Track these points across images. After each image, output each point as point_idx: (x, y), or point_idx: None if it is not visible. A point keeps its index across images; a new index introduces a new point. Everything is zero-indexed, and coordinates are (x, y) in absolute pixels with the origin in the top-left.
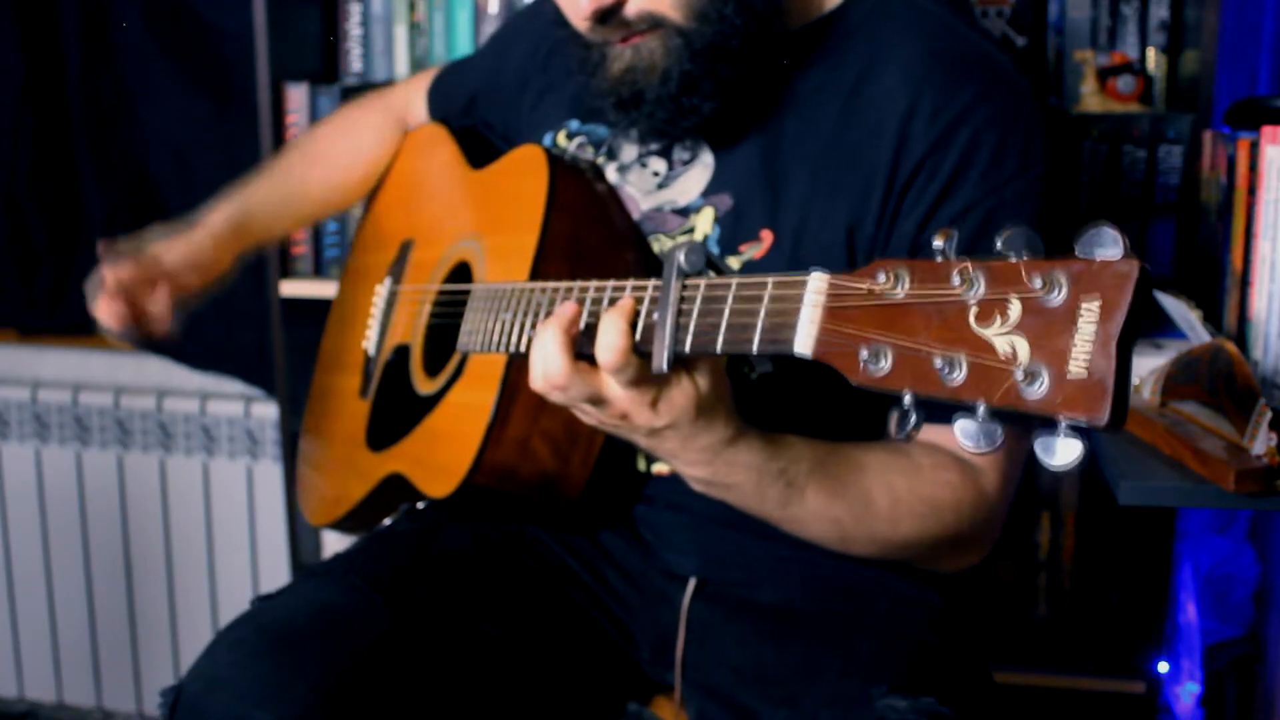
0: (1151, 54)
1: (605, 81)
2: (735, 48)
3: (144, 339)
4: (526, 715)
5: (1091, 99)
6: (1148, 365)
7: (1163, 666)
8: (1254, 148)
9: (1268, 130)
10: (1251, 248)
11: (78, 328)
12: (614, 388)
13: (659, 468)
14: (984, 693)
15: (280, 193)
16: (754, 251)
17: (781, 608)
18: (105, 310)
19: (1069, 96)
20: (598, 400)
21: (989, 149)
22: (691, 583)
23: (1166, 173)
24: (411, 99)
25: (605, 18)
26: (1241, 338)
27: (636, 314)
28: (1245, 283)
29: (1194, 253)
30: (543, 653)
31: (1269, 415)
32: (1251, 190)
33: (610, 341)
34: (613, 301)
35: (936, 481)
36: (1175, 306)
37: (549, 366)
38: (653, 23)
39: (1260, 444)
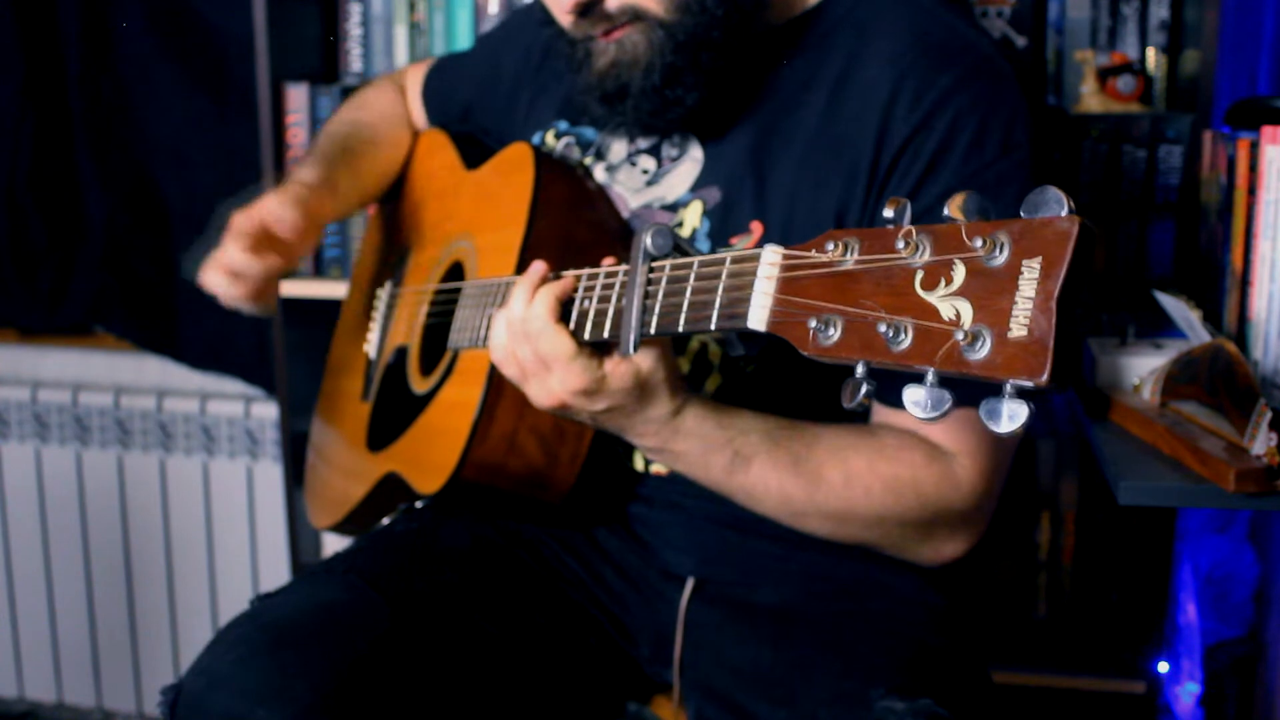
0: (1151, 54)
1: (590, 76)
2: (717, 38)
3: (249, 304)
4: (526, 714)
5: (1091, 99)
6: (1148, 365)
7: (1163, 666)
8: (1254, 148)
9: (1268, 130)
10: (1251, 248)
11: (78, 328)
12: (553, 379)
13: (657, 468)
14: (983, 693)
15: (355, 169)
16: (744, 243)
17: (780, 608)
18: (234, 256)
19: (1069, 96)
20: (542, 369)
21: (970, 133)
22: (690, 583)
23: (1166, 173)
24: (409, 89)
25: (587, 10)
26: (1241, 338)
27: (575, 290)
28: (1245, 283)
29: (1194, 253)
30: (542, 651)
31: (1269, 415)
32: (1251, 190)
33: (536, 311)
34: (589, 289)
35: (898, 460)
36: (1175, 306)
37: (512, 311)
38: (634, 15)
39: (1260, 444)
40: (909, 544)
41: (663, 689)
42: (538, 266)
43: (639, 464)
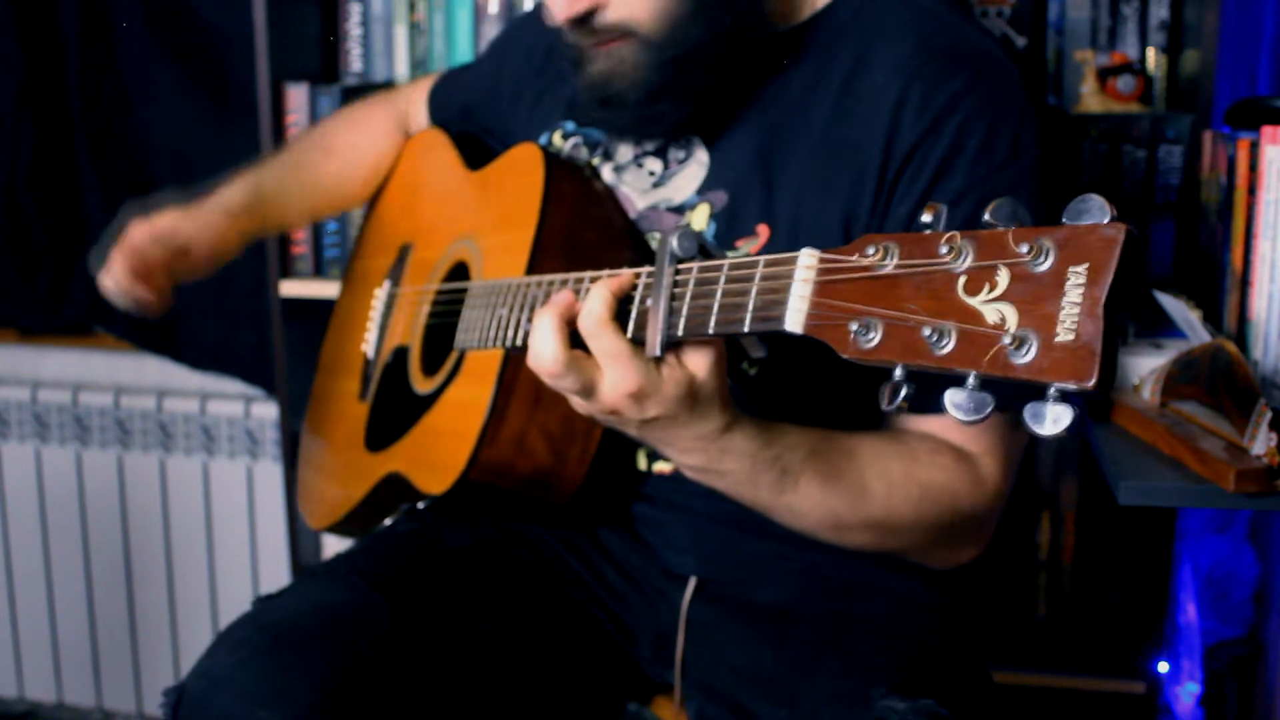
0: (1151, 54)
1: (584, 81)
2: (706, 59)
3: (139, 312)
4: (527, 714)
5: (1091, 99)
6: (1148, 365)
7: (1163, 666)
8: (1254, 148)
9: (1268, 130)
10: (1251, 248)
11: (78, 328)
12: (604, 383)
13: (660, 466)
14: (983, 693)
15: (294, 181)
16: (750, 246)
17: (781, 608)
18: (117, 272)
19: (1069, 96)
20: (589, 392)
21: (978, 138)
22: (691, 582)
23: (1166, 173)
24: (413, 103)
25: (580, 23)
26: (1241, 338)
27: (634, 288)
28: (1245, 283)
29: (1194, 253)
30: (543, 651)
31: (1269, 415)
32: (1251, 190)
33: (591, 308)
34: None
35: (932, 465)
36: (1175, 306)
37: (542, 355)
38: (624, 32)
39: (1260, 444)
40: (934, 548)
41: (664, 689)
42: (564, 295)
43: (642, 463)
